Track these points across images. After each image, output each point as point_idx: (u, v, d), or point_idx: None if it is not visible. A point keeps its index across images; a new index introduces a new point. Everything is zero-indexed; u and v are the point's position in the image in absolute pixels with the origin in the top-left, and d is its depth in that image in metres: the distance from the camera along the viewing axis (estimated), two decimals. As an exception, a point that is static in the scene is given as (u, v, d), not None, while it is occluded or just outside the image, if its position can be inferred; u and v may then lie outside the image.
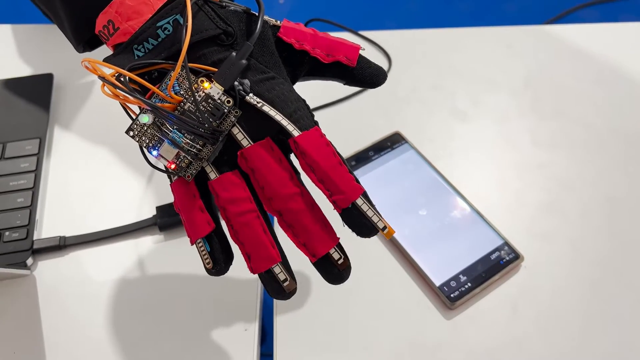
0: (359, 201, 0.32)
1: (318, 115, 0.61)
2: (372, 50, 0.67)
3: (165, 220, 0.50)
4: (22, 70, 0.65)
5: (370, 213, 0.32)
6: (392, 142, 0.56)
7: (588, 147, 0.57)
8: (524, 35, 0.68)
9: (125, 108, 0.34)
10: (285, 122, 0.32)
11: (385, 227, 0.32)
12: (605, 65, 0.65)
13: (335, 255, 0.33)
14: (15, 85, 0.61)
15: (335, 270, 0.34)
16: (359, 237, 0.33)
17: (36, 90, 0.61)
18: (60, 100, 0.62)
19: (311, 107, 0.60)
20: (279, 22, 0.36)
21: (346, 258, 0.34)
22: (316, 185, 0.32)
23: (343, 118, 0.60)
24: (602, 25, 0.70)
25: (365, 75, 0.38)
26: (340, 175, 0.32)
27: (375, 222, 0.32)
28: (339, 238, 0.34)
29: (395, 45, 0.67)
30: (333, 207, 0.33)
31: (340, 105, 0.61)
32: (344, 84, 0.39)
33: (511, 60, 0.66)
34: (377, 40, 0.67)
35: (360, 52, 0.37)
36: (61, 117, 0.60)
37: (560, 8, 1.69)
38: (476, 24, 0.70)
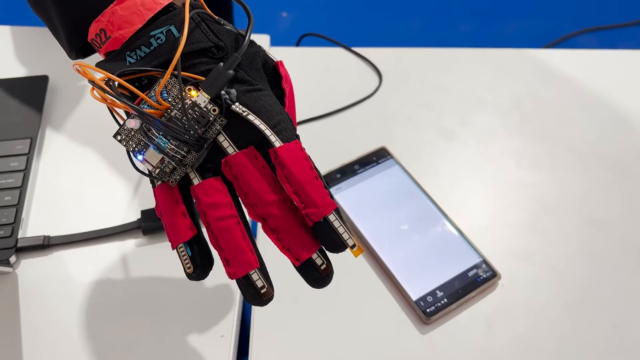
0: (331, 217, 0.33)
1: (307, 128, 0.62)
2: (363, 66, 0.68)
3: (149, 224, 0.51)
4: (18, 71, 0.65)
5: (341, 230, 0.33)
6: (377, 157, 0.57)
7: (571, 170, 0.59)
8: (514, 58, 0.70)
9: (112, 112, 0.35)
10: (268, 132, 0.33)
11: (354, 245, 0.33)
12: (593, 90, 0.66)
13: (318, 261, 0.34)
14: (10, 85, 0.62)
15: (317, 274, 0.35)
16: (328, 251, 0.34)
17: (31, 91, 0.62)
18: (54, 102, 0.63)
19: (300, 119, 0.62)
20: (273, 56, 0.38)
21: (329, 263, 0.35)
22: (291, 196, 0.33)
23: (331, 131, 0.61)
24: (591, 51, 0.71)
25: None
26: (315, 189, 0.33)
27: (345, 239, 0.33)
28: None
29: (386, 63, 0.68)
30: (305, 220, 0.34)
31: (329, 119, 0.63)
32: None
33: (500, 82, 0.67)
34: (369, 56, 0.69)
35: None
36: (54, 118, 0.61)
37: (558, 33, 1.71)
38: (475, 47, 0.72)
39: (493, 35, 1.75)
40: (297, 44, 0.73)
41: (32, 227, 0.52)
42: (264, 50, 0.37)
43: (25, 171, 0.54)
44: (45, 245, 0.50)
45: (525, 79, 0.68)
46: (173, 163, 0.33)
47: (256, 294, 0.34)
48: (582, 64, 0.69)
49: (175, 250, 0.36)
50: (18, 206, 0.52)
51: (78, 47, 0.37)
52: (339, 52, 0.70)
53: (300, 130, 0.62)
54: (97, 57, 0.36)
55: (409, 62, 0.69)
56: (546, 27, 1.76)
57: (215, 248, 0.34)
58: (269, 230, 0.34)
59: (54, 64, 0.66)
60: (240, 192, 0.34)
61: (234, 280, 0.35)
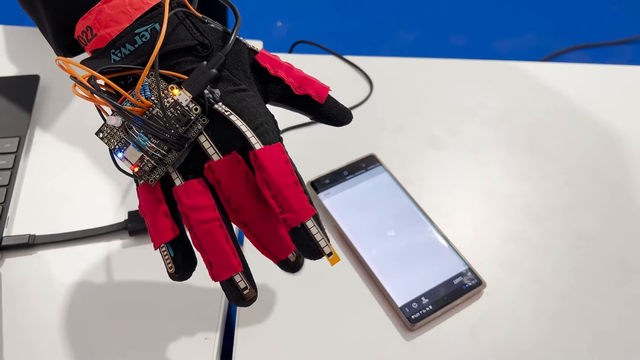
0: (309, 223, 0.33)
1: (297, 134, 0.62)
2: (355, 75, 0.68)
3: (135, 225, 0.51)
4: (10, 70, 0.65)
5: (318, 237, 0.33)
6: (366, 164, 0.57)
7: (557, 181, 0.59)
8: (504, 70, 0.70)
9: (99, 110, 0.35)
10: (249, 133, 0.33)
11: (330, 253, 0.33)
12: (580, 104, 0.67)
13: (292, 257, 0.37)
14: (1, 84, 0.62)
15: (291, 266, 0.37)
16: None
17: (21, 91, 0.62)
18: (44, 102, 0.63)
19: (292, 125, 0.62)
20: (257, 48, 0.38)
21: (299, 256, 0.37)
22: (269, 200, 0.33)
23: (321, 137, 0.61)
24: (580, 65, 0.72)
25: (332, 114, 0.40)
26: (294, 194, 0.33)
27: (322, 246, 0.33)
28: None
29: (378, 71, 0.68)
30: (282, 225, 0.34)
31: (320, 125, 0.62)
32: (311, 119, 0.41)
33: (490, 94, 0.67)
34: (361, 65, 0.69)
35: (330, 93, 0.40)
36: (43, 118, 0.61)
37: (549, 50, 1.73)
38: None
39: (485, 51, 1.76)
40: (290, 51, 0.73)
41: (18, 225, 0.52)
42: (247, 46, 0.37)
43: (13, 170, 0.54)
44: (30, 244, 0.50)
45: (514, 91, 0.68)
46: (152, 162, 0.33)
47: (239, 295, 0.34)
48: (571, 78, 0.70)
49: (157, 250, 0.36)
50: (4, 204, 0.52)
51: (65, 44, 0.37)
52: (331, 59, 0.70)
53: (289, 136, 0.62)
54: (85, 56, 0.36)
55: (400, 72, 0.69)
56: (537, 44, 1.77)
57: (198, 250, 0.34)
58: (250, 235, 0.35)
59: (45, 64, 0.66)
60: (222, 197, 0.34)
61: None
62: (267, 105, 0.38)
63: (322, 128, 0.62)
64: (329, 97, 0.40)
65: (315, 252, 0.33)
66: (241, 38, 0.37)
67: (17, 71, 0.65)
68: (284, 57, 0.40)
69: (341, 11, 1.86)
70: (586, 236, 0.54)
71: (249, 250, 0.47)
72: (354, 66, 0.69)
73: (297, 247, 0.34)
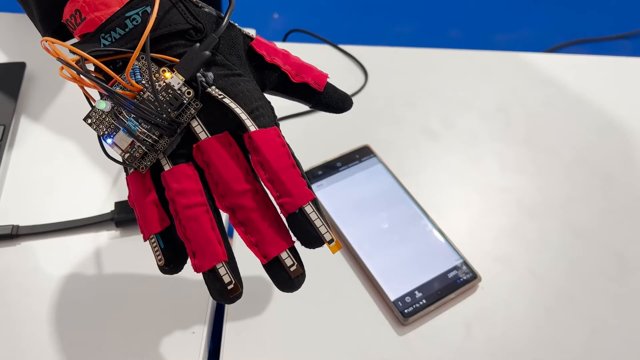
0: (308, 208, 0.31)
1: (290, 124, 0.61)
2: (350, 65, 0.67)
3: (122, 216, 0.49)
4: (-3, 57, 0.64)
5: (318, 222, 0.31)
6: (360, 155, 0.57)
7: (554, 175, 0.58)
8: (501, 61, 0.70)
9: (87, 96, 0.34)
10: (244, 116, 0.32)
11: (332, 240, 0.31)
12: (578, 96, 0.66)
13: (288, 261, 0.32)
14: (-15, 70, 0.61)
15: (285, 275, 0.32)
16: (303, 247, 0.32)
17: (6, 78, 0.60)
18: (31, 90, 0.61)
19: (284, 115, 0.61)
20: (252, 34, 0.37)
21: (300, 265, 0.32)
22: (265, 184, 0.31)
23: (315, 128, 0.60)
24: (578, 57, 0.71)
25: (332, 101, 0.39)
26: (291, 177, 0.31)
27: (322, 232, 0.31)
28: (294, 241, 0.33)
29: (373, 61, 0.67)
30: (280, 211, 0.32)
31: (313, 115, 0.62)
32: (310, 107, 0.39)
33: (486, 85, 0.67)
34: (356, 55, 0.68)
35: (328, 80, 0.38)
36: (30, 107, 0.59)
37: (549, 44, 1.72)
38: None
39: (482, 45, 1.76)
40: (284, 40, 0.72)
41: (2, 216, 0.51)
42: (242, 32, 0.36)
43: (-3, 158, 0.53)
44: (14, 235, 0.48)
45: (511, 82, 0.67)
46: (144, 147, 0.32)
47: (222, 289, 0.31)
48: (568, 70, 0.69)
49: (147, 242, 0.34)
50: (-13, 194, 0.50)
51: (53, 29, 0.36)
52: (325, 49, 0.69)
53: (283, 126, 0.61)
54: (74, 42, 0.35)
55: (396, 62, 0.68)
56: (535, 38, 1.77)
57: (183, 240, 0.32)
58: (237, 223, 0.32)
59: (32, 52, 0.64)
60: (211, 180, 0.32)
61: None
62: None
63: (314, 118, 0.61)
64: (328, 84, 0.39)
65: (315, 239, 0.31)
66: (236, 24, 0.36)
67: (2, 58, 0.64)
68: (278, 46, 0.39)
69: (338, 5, 1.85)
70: (582, 230, 0.54)
71: (237, 243, 0.46)
72: (348, 56, 0.68)
73: (295, 234, 0.32)
